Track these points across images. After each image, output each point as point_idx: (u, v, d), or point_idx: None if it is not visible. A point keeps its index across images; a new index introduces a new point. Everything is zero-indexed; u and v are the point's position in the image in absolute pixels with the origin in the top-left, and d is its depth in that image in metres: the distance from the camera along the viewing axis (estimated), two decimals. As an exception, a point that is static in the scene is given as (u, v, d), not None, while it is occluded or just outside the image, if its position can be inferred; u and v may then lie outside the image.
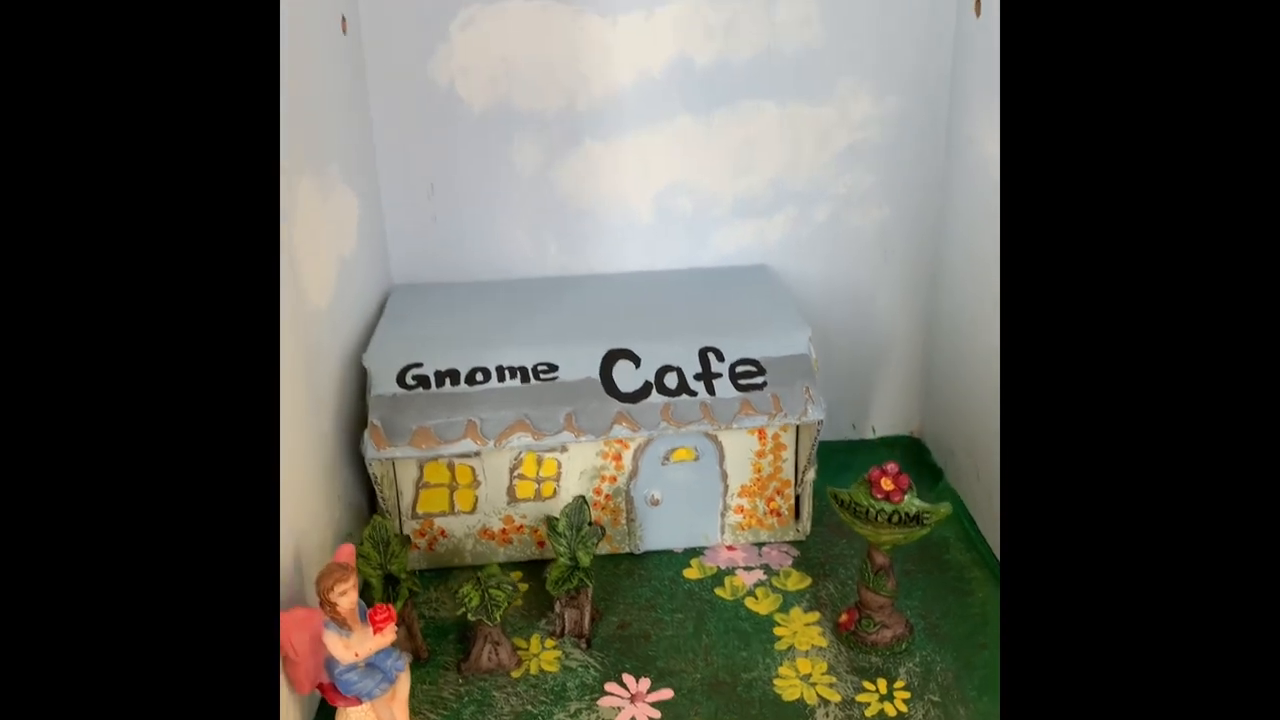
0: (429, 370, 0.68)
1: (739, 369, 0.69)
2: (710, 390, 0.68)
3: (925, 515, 0.61)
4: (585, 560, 0.65)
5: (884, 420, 0.94)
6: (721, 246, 0.87)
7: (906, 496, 0.61)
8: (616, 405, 0.67)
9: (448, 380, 0.68)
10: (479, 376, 0.68)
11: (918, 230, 0.87)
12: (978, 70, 0.76)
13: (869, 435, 0.94)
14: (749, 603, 0.71)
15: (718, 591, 0.72)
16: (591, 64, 0.80)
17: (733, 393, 0.68)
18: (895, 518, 0.61)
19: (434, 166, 0.83)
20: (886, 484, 0.61)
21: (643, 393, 0.68)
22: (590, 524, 0.66)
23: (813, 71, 0.81)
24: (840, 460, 0.89)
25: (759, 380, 0.69)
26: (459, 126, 0.81)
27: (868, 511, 0.61)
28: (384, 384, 0.68)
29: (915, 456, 0.91)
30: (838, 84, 0.82)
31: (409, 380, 0.68)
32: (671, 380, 0.68)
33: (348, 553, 0.55)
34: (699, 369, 0.69)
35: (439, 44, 0.79)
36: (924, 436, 0.94)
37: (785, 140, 0.84)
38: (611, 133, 0.83)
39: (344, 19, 0.73)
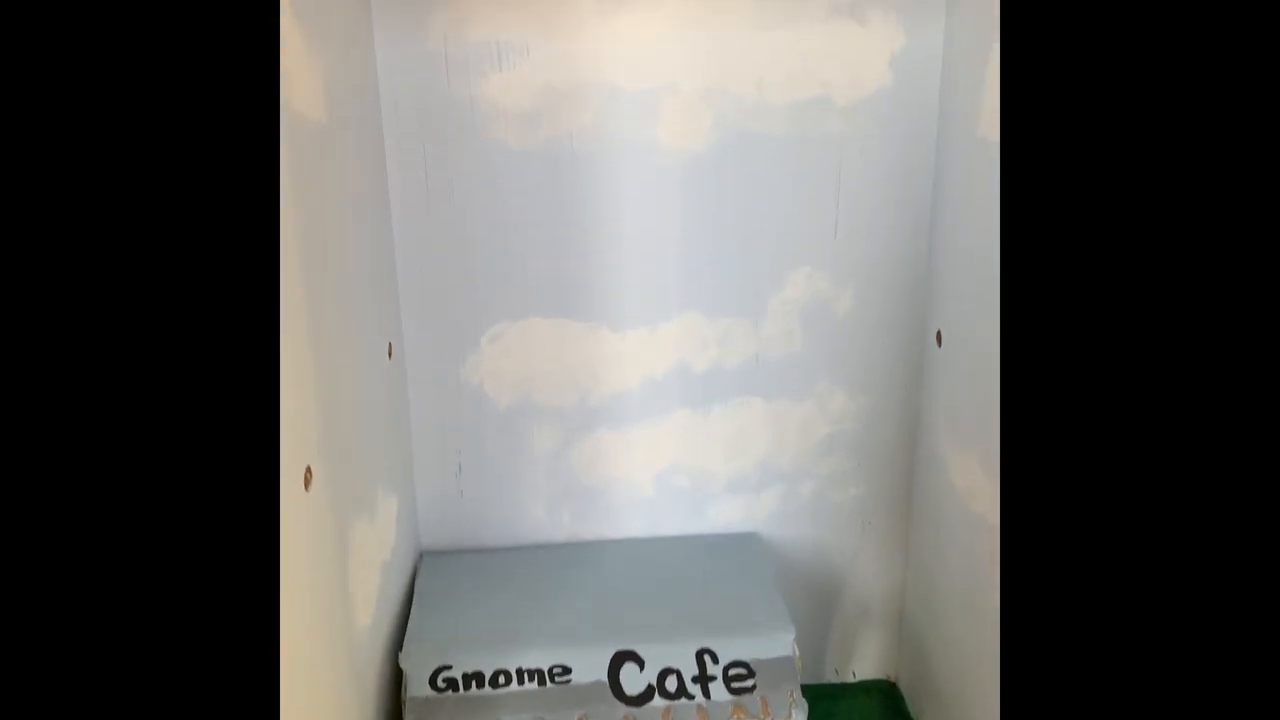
0: (457, 673, 0.77)
1: (731, 672, 0.78)
2: (706, 694, 0.77)
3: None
4: None
5: (864, 665, 1.03)
6: (716, 517, 0.98)
7: None
8: (623, 709, 0.76)
9: (474, 683, 0.77)
10: (501, 679, 0.77)
11: (891, 505, 0.98)
12: (937, 386, 0.88)
13: (850, 679, 1.03)
14: None
15: None
16: (603, 369, 0.92)
17: (726, 696, 0.77)
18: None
19: (463, 451, 0.94)
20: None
21: (646, 696, 0.77)
22: (599, 819, 0.74)
23: (795, 374, 0.93)
24: (824, 707, 0.98)
25: (749, 684, 0.78)
26: (486, 419, 0.93)
27: None
28: (418, 686, 0.77)
29: (892, 705, 1.00)
30: (817, 385, 0.94)
31: (439, 683, 0.77)
32: (671, 683, 0.78)
33: None
34: (696, 671, 0.78)
35: (470, 353, 0.91)
36: (900, 682, 1.02)
37: (772, 430, 0.95)
38: (620, 423, 0.94)
39: (390, 346, 0.85)
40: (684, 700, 0.77)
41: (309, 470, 0.61)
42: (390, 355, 0.85)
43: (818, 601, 1.00)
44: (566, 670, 0.78)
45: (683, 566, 0.91)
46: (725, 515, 0.98)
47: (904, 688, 1.01)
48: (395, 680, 0.81)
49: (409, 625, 0.82)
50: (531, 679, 0.77)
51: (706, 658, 0.79)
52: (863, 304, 0.91)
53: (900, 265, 0.90)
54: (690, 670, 0.78)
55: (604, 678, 0.78)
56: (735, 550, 0.94)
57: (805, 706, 0.78)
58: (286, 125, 0.58)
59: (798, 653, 0.81)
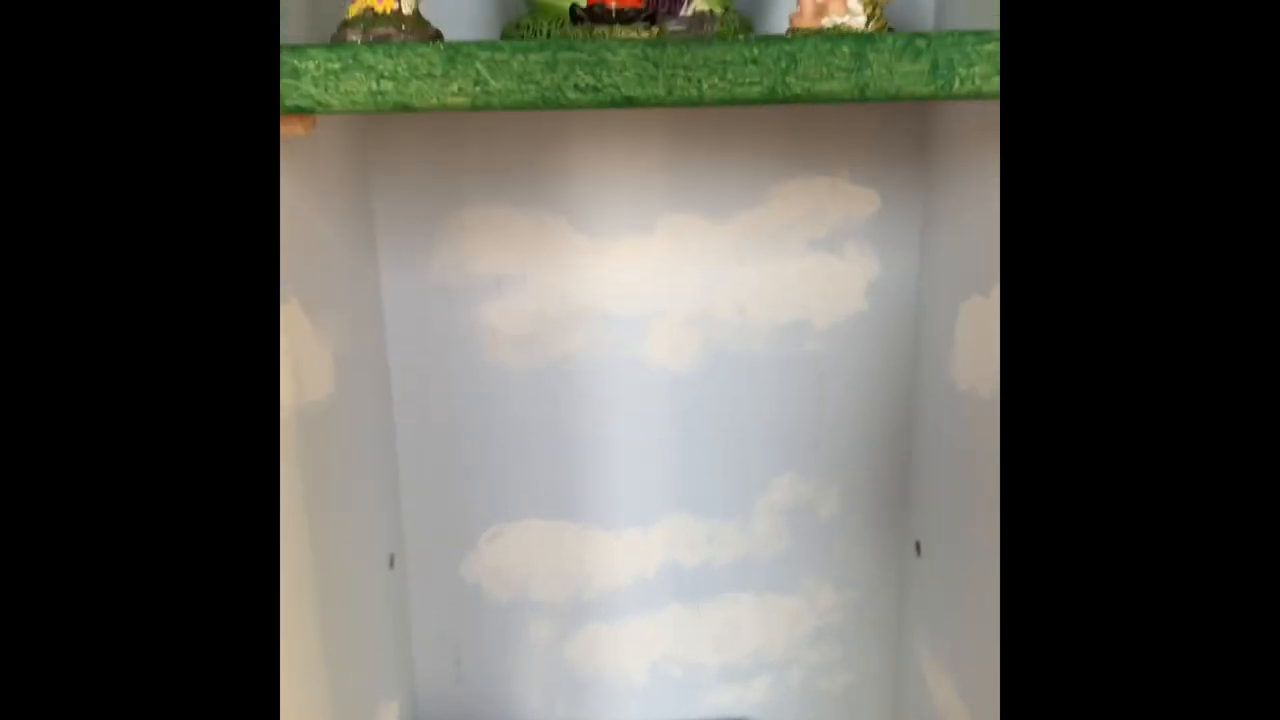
0: None
1: None
2: None
3: None
4: None
5: (855, 846, 1.05)
6: (708, 704, 1.00)
7: None
8: None
9: None
10: None
11: (878, 692, 1.00)
12: (918, 594, 0.91)
13: None
14: None
15: None
16: (596, 566, 0.96)
17: None
18: None
19: (461, 644, 0.97)
20: None
21: None
22: None
23: (783, 571, 0.97)
24: None
25: None
26: (484, 616, 0.96)
27: None
28: None
29: None
30: (804, 580, 0.97)
31: None
32: None
33: None
34: None
35: (469, 551, 0.95)
36: None
37: (761, 623, 0.98)
38: (613, 617, 0.97)
39: (392, 557, 0.89)
40: None
41: (313, 734, 0.65)
42: (392, 565, 0.89)
43: (808, 785, 1.03)
44: None
45: (674, 761, 0.94)
46: (717, 702, 1.00)
47: None
48: None
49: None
50: None
51: None
52: (847, 509, 0.95)
53: (882, 475, 0.94)
54: None
55: None
56: (726, 740, 0.97)
57: None
58: (296, 415, 0.63)
59: None
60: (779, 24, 0.82)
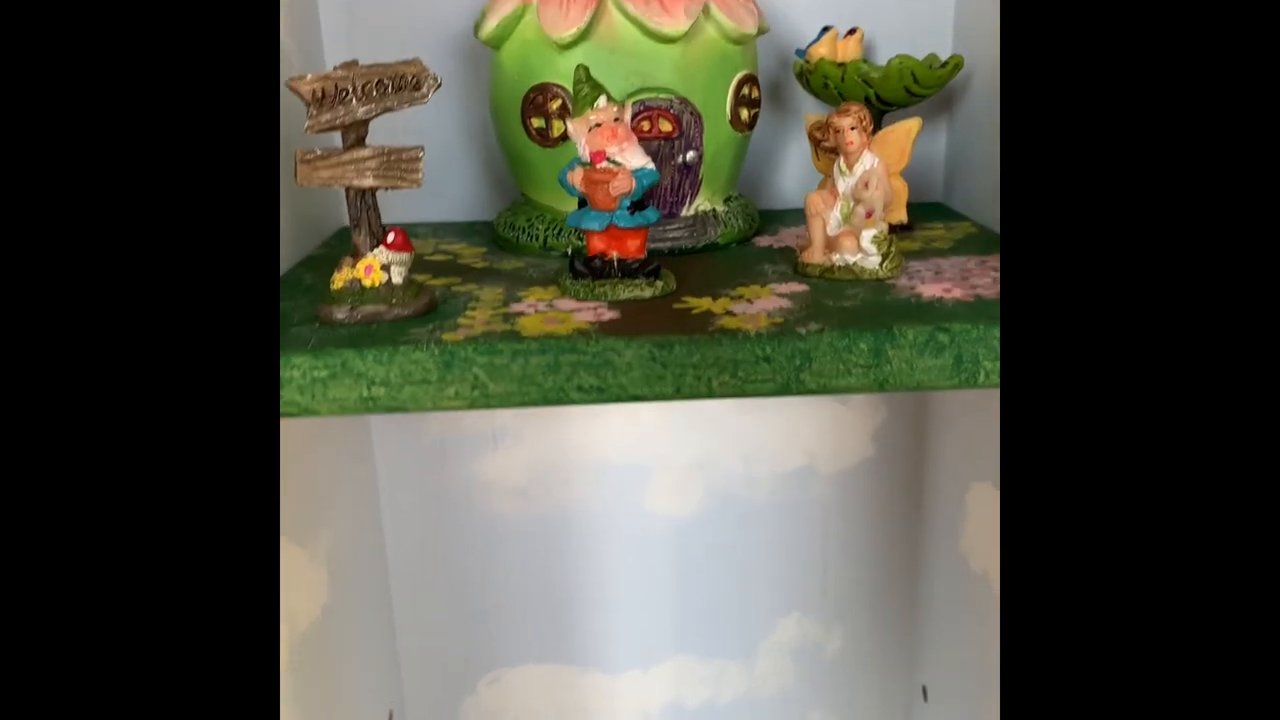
0: None
1: None
2: None
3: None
4: None
5: None
6: (713, 833, 0.99)
7: None
8: None
9: None
10: None
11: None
12: (927, 733, 0.90)
13: None
14: None
15: None
16: (598, 707, 0.94)
17: None
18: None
19: (462, 785, 0.95)
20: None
21: None
22: None
23: (788, 706, 0.95)
24: None
25: None
26: (484, 757, 0.95)
27: None
28: None
29: None
30: (809, 716, 0.96)
31: None
32: None
33: None
34: None
35: (468, 696, 0.93)
36: None
37: (766, 757, 0.97)
38: (616, 754, 0.96)
39: (390, 714, 0.87)
40: None
41: None
42: (391, 723, 0.87)
43: None
44: None
45: None
46: (722, 832, 0.99)
47: None
48: None
49: None
50: None
51: None
52: (853, 647, 0.93)
53: (888, 617, 0.92)
54: None
55: None
56: None
57: None
58: (289, 647, 0.61)
59: None
60: (785, 193, 0.79)
